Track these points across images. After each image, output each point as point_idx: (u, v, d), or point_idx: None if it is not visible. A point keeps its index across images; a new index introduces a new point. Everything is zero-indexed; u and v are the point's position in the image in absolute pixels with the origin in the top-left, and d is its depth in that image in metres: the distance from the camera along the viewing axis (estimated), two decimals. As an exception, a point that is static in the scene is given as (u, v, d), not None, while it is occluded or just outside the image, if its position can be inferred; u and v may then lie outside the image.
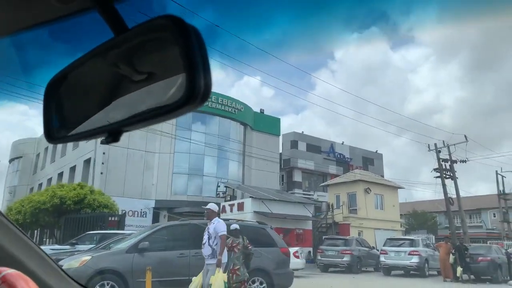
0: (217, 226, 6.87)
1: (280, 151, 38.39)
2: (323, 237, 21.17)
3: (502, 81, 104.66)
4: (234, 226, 7.96)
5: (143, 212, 25.22)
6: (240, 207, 21.96)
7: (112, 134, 0.62)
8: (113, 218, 16.08)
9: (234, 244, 7.79)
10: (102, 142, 0.63)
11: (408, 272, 17.90)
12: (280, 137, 36.23)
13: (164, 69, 0.58)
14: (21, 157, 38.77)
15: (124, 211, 18.74)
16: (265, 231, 9.09)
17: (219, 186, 26.18)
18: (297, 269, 16.12)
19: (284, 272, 8.84)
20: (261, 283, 8.39)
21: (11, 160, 40.22)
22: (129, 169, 25.03)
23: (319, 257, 19.59)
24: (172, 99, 0.56)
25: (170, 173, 26.33)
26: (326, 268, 19.63)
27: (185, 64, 0.55)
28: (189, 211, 25.28)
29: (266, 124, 32.83)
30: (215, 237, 6.86)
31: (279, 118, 34.73)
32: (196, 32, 0.56)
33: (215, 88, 0.61)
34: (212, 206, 7.37)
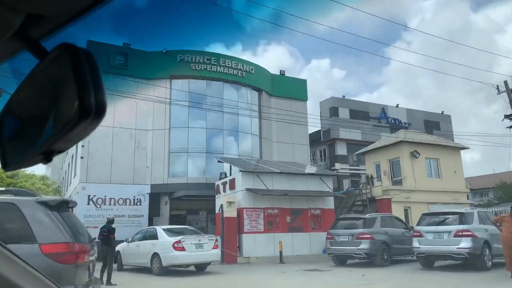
0: None
1: (313, 123, 32.79)
2: (338, 217, 15.56)
3: None
4: None
5: (137, 199, 21.60)
6: (232, 184, 17.20)
7: (46, 154, 0.66)
8: None
9: None
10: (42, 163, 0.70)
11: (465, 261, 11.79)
12: (309, 104, 30.59)
13: (65, 91, 0.63)
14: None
15: None
16: (15, 210, 4.30)
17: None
18: (189, 264, 12.38)
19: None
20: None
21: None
22: (117, 151, 21.50)
23: (328, 245, 14.17)
24: (71, 118, 0.60)
25: (166, 152, 22.36)
26: (340, 259, 14.17)
27: (76, 84, 0.60)
28: (188, 195, 21.15)
29: (289, 88, 27.40)
30: None
31: (305, 80, 29.05)
32: (86, 54, 0.62)
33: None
34: None
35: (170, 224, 22.10)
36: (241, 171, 16.43)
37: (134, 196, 21.52)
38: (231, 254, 15.47)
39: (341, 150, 33.71)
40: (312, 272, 12.23)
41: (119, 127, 21.79)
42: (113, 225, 11.44)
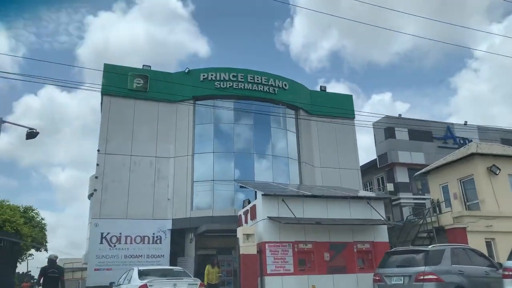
0: None
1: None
2: (387, 251, 11.39)
3: None
4: None
5: (157, 237, 18.86)
6: (253, 213, 13.88)
7: None
8: None
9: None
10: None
11: None
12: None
13: None
14: (93, 192, 37.00)
15: None
16: None
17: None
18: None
19: None
20: None
21: (89, 196, 39.04)
22: (135, 181, 19.20)
23: (376, 290, 10.16)
24: None
25: (189, 182, 19.65)
26: (395, 312, 10.04)
27: None
28: (212, 230, 18.04)
29: (332, 105, 23.99)
30: None
31: (351, 95, 25.44)
32: None
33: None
34: None
35: (197, 266, 19.06)
36: (262, 195, 13.11)
37: (154, 233, 18.83)
38: (249, 303, 11.92)
39: (401, 176, 29.01)
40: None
41: (137, 155, 19.64)
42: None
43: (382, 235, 14.03)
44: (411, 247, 11.48)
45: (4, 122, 12.02)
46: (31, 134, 13.08)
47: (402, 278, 9.48)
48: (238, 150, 20.44)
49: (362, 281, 13.05)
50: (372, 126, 30.57)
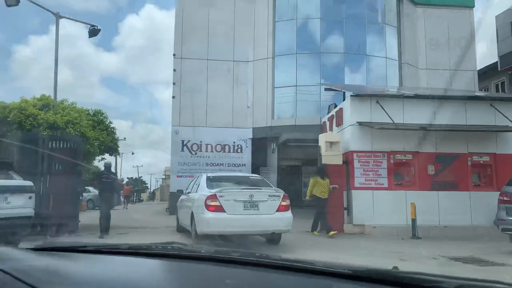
0: None
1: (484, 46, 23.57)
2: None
3: None
4: None
5: (237, 146, 17.88)
6: (339, 118, 11.66)
7: None
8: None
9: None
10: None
11: None
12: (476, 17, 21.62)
13: None
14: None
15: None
16: None
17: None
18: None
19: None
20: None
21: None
22: (212, 88, 17.93)
23: (503, 215, 7.67)
24: None
25: (269, 87, 17.79)
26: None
27: None
28: (294, 139, 16.37)
29: (444, -10, 19.32)
30: None
31: (470, -22, 20.10)
32: None
33: None
34: None
35: (279, 177, 18.00)
36: (351, 96, 10.73)
37: (234, 142, 17.85)
38: (333, 220, 10.30)
39: (529, 80, 23.64)
40: (466, 265, 6.25)
41: (214, 59, 18.10)
42: None
43: (508, 146, 10.94)
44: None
45: (62, 17, 11.03)
46: (94, 31, 12.11)
47: (545, 200, 6.85)
48: (325, 50, 17.68)
49: (476, 200, 10.51)
50: (494, 20, 24.92)
